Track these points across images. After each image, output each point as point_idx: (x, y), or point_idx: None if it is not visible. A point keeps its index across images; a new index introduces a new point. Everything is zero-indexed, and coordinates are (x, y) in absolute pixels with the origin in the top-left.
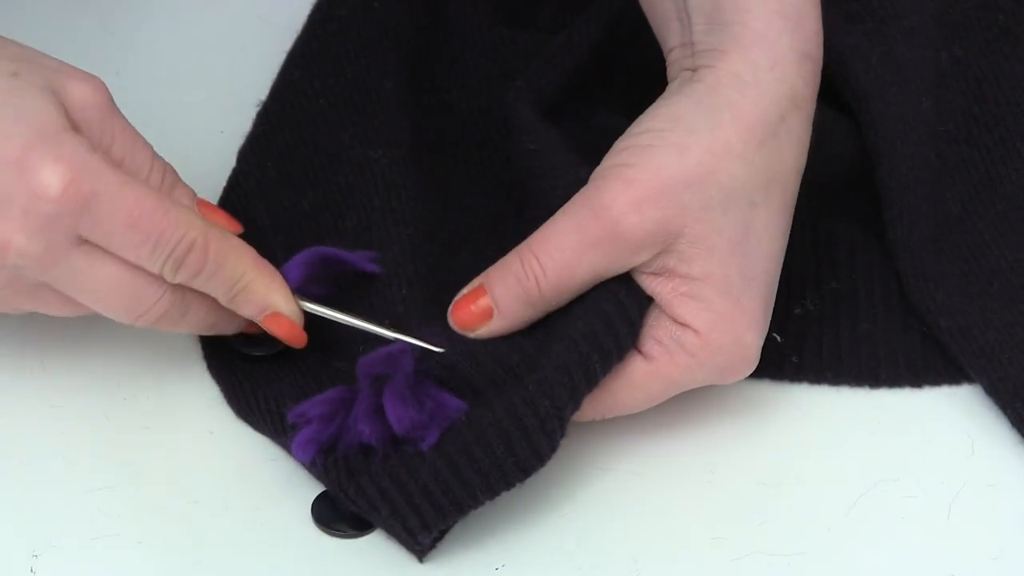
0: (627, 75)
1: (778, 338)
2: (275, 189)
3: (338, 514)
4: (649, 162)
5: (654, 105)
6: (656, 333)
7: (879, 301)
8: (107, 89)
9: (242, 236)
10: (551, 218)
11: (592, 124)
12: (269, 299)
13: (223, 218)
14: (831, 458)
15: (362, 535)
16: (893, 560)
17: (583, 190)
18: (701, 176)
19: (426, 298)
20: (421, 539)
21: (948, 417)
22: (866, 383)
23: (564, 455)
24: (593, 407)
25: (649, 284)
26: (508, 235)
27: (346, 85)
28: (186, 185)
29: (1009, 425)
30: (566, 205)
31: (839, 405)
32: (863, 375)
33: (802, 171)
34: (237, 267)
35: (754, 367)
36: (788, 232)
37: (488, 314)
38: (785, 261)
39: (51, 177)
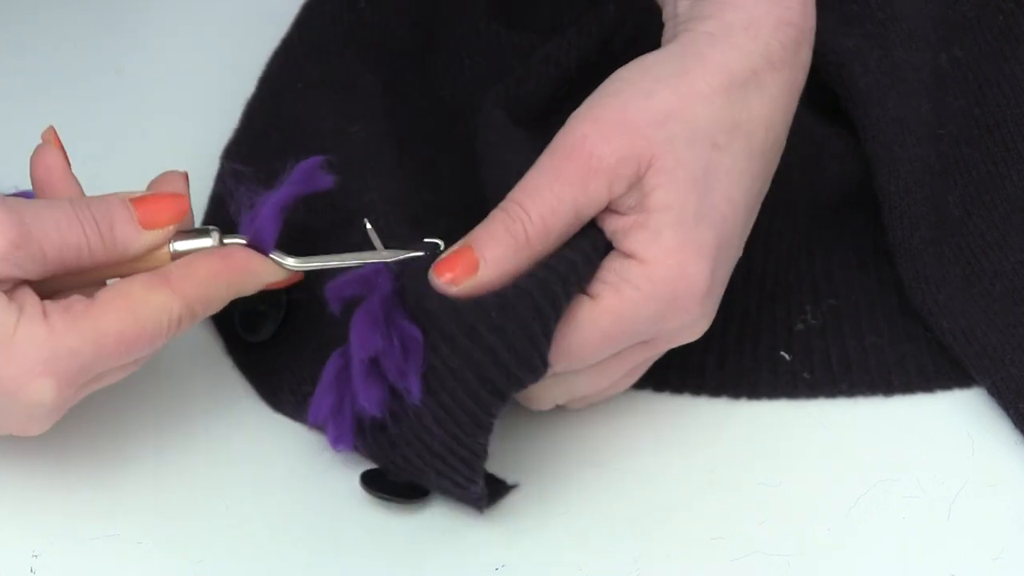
0: None
1: (786, 356)
2: (245, 161)
3: (386, 485)
4: (615, 103)
5: (628, 63)
6: (602, 274)
7: (881, 316)
8: (7, 211)
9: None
10: (528, 170)
11: None
12: (260, 285)
13: (165, 205)
14: (831, 458)
15: (415, 502)
16: (893, 560)
17: (555, 137)
18: (666, 114)
19: (402, 221)
20: (473, 490)
21: (949, 417)
22: (880, 392)
23: (564, 455)
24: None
25: (611, 223)
26: (483, 211)
27: (325, 72)
28: (107, 196)
29: (1009, 425)
30: (542, 155)
31: (839, 405)
32: (876, 384)
33: (778, 133)
34: (218, 289)
35: (702, 304)
36: (754, 188)
37: (474, 266)
38: (784, 277)
39: (38, 393)
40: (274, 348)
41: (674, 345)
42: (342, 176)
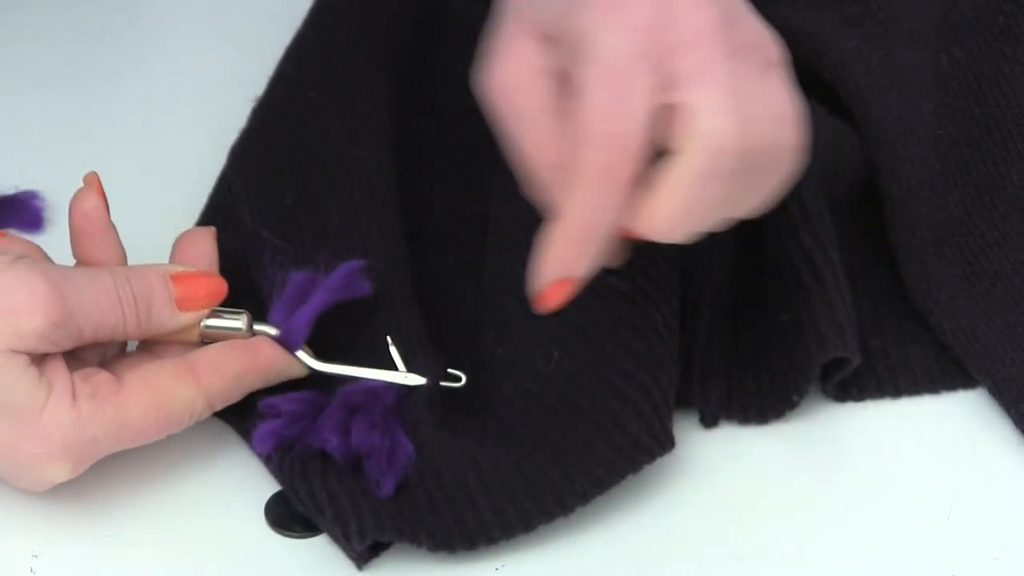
0: None
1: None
2: (258, 186)
3: (292, 514)
4: None
5: None
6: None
7: (884, 319)
8: (52, 289)
9: (229, 235)
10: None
11: None
12: (283, 379)
13: (203, 286)
14: (831, 458)
15: (310, 536)
16: (893, 560)
17: None
18: None
19: (412, 326)
20: (355, 545)
21: (949, 417)
22: (888, 394)
23: None
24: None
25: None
26: (479, 239)
27: (337, 77)
28: (148, 270)
29: (1010, 425)
30: None
31: (839, 405)
32: (884, 387)
33: None
34: (242, 385)
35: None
36: None
37: (568, 279)
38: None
39: (53, 473)
40: None
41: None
42: (346, 232)
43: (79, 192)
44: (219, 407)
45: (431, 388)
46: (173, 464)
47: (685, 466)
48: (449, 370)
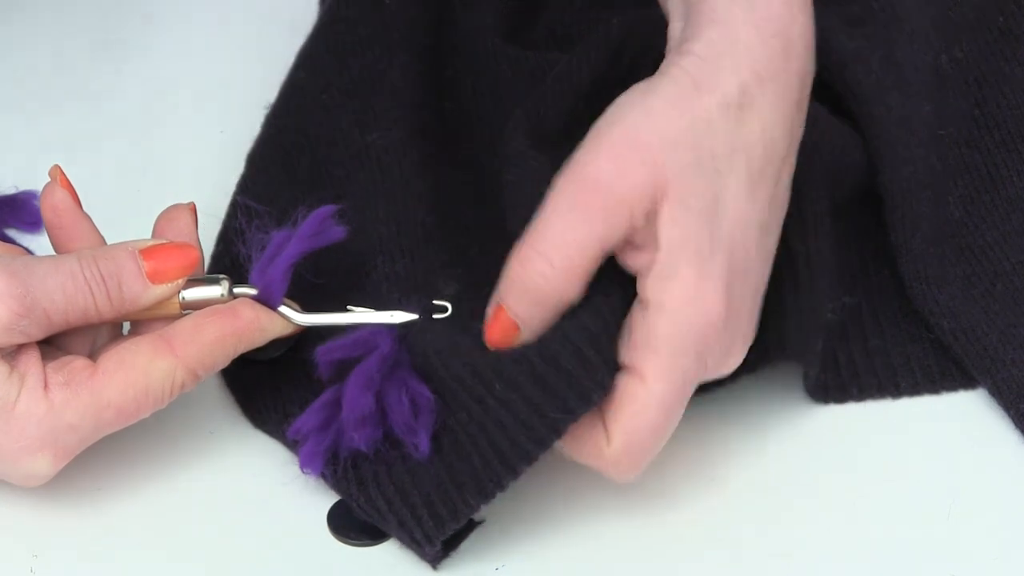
0: None
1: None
2: (279, 191)
3: (353, 521)
4: (624, 129)
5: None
6: (636, 338)
7: (884, 319)
8: (13, 280)
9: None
10: (545, 209)
11: None
12: (268, 339)
13: (174, 257)
14: (831, 458)
15: (377, 543)
16: (893, 560)
17: (566, 172)
18: (674, 139)
19: (411, 273)
20: (428, 550)
21: (949, 417)
22: (888, 394)
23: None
24: (620, 453)
25: (631, 258)
26: (479, 229)
27: (350, 80)
28: (115, 249)
29: (1010, 425)
30: (553, 192)
31: (840, 406)
32: (885, 387)
33: (779, 148)
34: (224, 351)
35: (721, 334)
36: (765, 211)
37: (514, 328)
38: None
39: (34, 466)
40: (264, 366)
41: (717, 376)
42: (354, 209)
43: (45, 188)
44: (204, 375)
45: (426, 321)
46: (174, 464)
47: (685, 466)
48: (435, 301)
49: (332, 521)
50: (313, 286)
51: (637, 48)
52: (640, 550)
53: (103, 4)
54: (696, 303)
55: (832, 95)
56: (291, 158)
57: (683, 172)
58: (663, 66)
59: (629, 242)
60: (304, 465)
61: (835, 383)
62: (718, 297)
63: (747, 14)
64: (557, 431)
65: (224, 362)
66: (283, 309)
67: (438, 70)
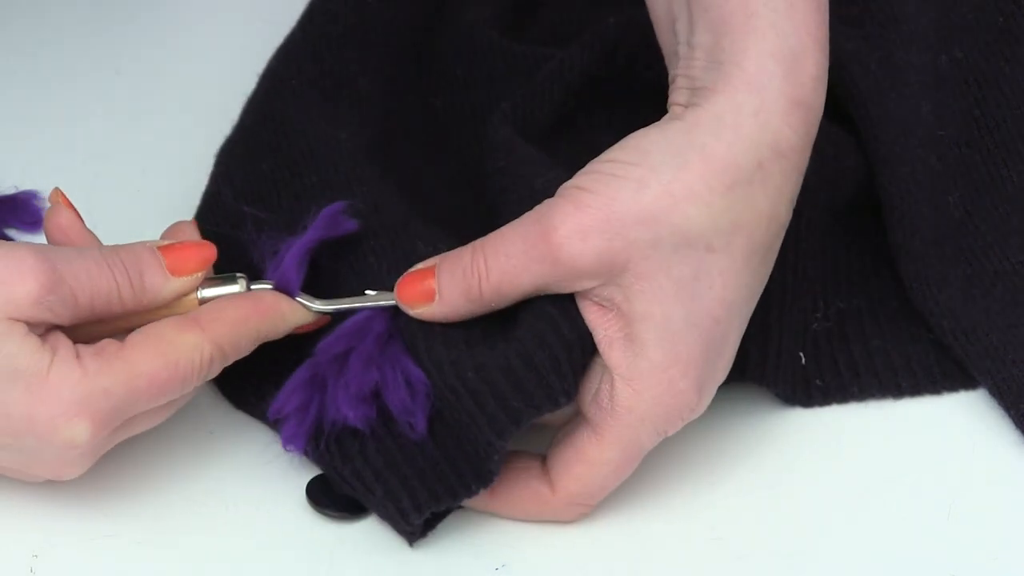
0: (629, 99)
1: (802, 357)
2: (237, 161)
3: (332, 496)
4: (605, 191)
5: (630, 135)
6: (600, 399)
7: (884, 319)
8: (41, 257)
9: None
10: (506, 224)
11: (594, 146)
12: (289, 327)
13: (192, 252)
14: (831, 458)
15: (354, 518)
16: (893, 560)
17: (539, 206)
18: (654, 215)
19: (395, 244)
20: (412, 520)
21: (949, 417)
22: (889, 395)
23: None
24: (566, 502)
25: (593, 316)
26: (468, 223)
27: (319, 73)
28: (134, 245)
29: (1010, 425)
30: (522, 216)
31: (840, 406)
32: (886, 387)
33: (782, 219)
34: (248, 331)
35: (697, 413)
36: (755, 279)
37: (430, 296)
38: (803, 274)
39: (73, 433)
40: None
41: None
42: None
43: (49, 212)
44: (231, 354)
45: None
46: (174, 464)
47: (686, 466)
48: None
49: (311, 495)
50: (314, 273)
51: (633, 47)
52: (639, 550)
53: (103, 4)
54: (664, 387)
55: (831, 96)
56: (249, 133)
57: (656, 247)
58: (679, 99)
59: (586, 297)
60: (287, 443)
61: (836, 383)
62: (688, 384)
63: (783, 81)
64: (518, 421)
65: (249, 345)
66: (300, 298)
67: (424, 68)
